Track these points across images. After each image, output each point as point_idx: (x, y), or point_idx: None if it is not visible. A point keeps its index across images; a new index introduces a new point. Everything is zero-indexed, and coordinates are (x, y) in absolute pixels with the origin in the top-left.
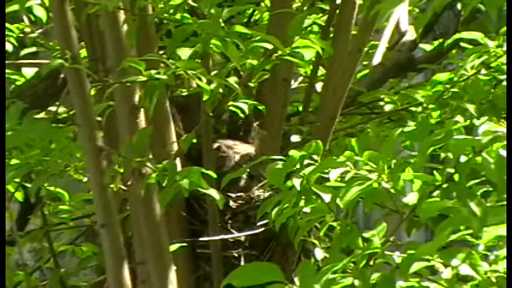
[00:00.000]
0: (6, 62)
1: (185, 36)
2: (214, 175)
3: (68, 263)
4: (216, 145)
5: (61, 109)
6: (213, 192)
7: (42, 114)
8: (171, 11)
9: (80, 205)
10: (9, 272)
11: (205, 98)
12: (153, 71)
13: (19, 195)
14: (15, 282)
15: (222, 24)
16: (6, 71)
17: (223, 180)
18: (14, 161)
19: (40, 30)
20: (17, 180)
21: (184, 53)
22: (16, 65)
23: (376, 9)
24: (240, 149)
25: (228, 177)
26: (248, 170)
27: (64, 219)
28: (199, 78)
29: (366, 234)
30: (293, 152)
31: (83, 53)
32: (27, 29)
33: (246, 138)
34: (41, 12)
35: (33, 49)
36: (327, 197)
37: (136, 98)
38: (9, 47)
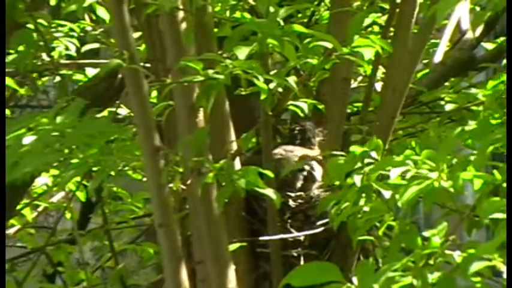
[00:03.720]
0: (68, 61)
1: (242, 35)
2: (271, 174)
3: (129, 262)
4: (276, 150)
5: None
6: (270, 192)
7: (102, 114)
8: (228, 11)
9: (141, 204)
10: (70, 270)
11: (263, 97)
12: (210, 71)
13: (81, 196)
14: (77, 281)
15: (282, 23)
16: (68, 71)
17: (280, 176)
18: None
19: (101, 29)
20: (78, 179)
21: (242, 52)
22: (76, 64)
23: (433, 9)
24: (299, 152)
25: (284, 171)
26: (307, 169)
27: (125, 218)
28: (257, 78)
29: (426, 234)
30: (354, 148)
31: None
32: (89, 28)
33: (306, 145)
34: (103, 13)
35: (95, 45)
36: (387, 194)
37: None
38: (72, 48)
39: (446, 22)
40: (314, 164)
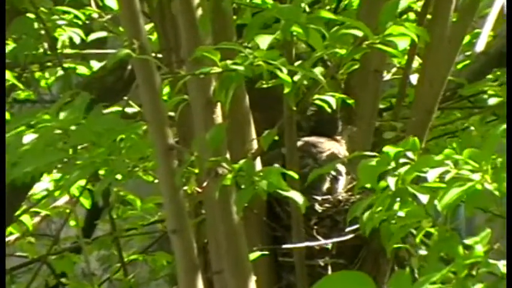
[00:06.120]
0: (72, 52)
1: (264, 23)
2: (296, 176)
3: (140, 273)
4: (299, 143)
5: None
6: (295, 195)
7: (110, 110)
8: None
9: (153, 209)
10: (76, 282)
11: (286, 90)
12: (229, 62)
13: (86, 202)
14: None
15: (307, 9)
16: (71, 62)
17: (307, 179)
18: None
19: (109, 16)
20: (82, 184)
21: (264, 41)
22: (81, 55)
23: None
24: (325, 147)
25: (311, 176)
26: (334, 169)
27: (135, 224)
28: (280, 69)
29: (467, 241)
30: (388, 148)
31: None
32: (95, 15)
33: (333, 133)
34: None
35: (102, 34)
36: (424, 198)
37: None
38: (77, 39)
39: (489, 10)
40: (342, 164)
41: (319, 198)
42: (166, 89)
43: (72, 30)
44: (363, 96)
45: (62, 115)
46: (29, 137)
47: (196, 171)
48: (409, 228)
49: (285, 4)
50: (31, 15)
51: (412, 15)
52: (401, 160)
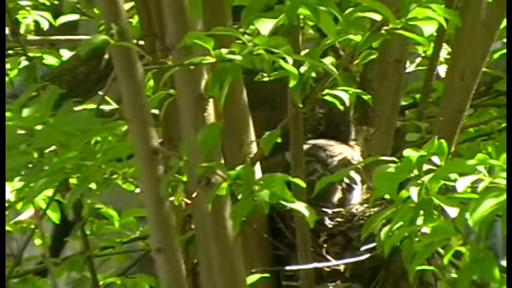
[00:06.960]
0: (38, 37)
1: (265, 4)
2: (302, 184)
3: None
4: (305, 146)
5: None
6: (301, 207)
7: (83, 106)
8: None
9: (133, 224)
10: None
11: (292, 84)
12: (224, 50)
13: (54, 217)
14: None
15: None
16: (36, 53)
17: (315, 189)
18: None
19: None
20: (49, 194)
21: (265, 26)
22: (50, 41)
23: None
24: (336, 150)
25: (319, 184)
26: (347, 177)
27: (112, 242)
28: (284, 59)
29: (505, 263)
30: (409, 153)
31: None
32: None
33: (345, 137)
34: None
35: (73, 16)
36: (452, 212)
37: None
38: (43, 22)
39: None
40: (356, 170)
41: (329, 211)
42: (149, 83)
43: (38, 13)
44: (381, 91)
45: (25, 112)
46: None
47: (185, 179)
48: (436, 247)
49: None
50: None
51: None
52: (426, 166)
